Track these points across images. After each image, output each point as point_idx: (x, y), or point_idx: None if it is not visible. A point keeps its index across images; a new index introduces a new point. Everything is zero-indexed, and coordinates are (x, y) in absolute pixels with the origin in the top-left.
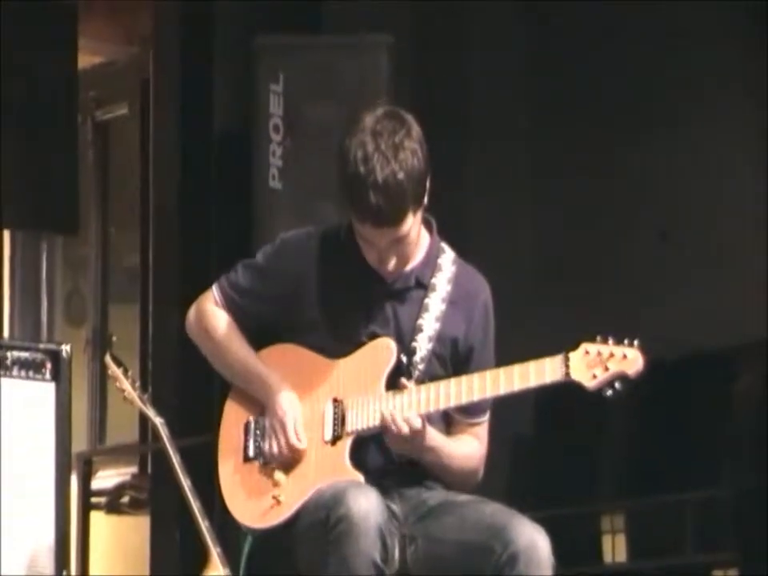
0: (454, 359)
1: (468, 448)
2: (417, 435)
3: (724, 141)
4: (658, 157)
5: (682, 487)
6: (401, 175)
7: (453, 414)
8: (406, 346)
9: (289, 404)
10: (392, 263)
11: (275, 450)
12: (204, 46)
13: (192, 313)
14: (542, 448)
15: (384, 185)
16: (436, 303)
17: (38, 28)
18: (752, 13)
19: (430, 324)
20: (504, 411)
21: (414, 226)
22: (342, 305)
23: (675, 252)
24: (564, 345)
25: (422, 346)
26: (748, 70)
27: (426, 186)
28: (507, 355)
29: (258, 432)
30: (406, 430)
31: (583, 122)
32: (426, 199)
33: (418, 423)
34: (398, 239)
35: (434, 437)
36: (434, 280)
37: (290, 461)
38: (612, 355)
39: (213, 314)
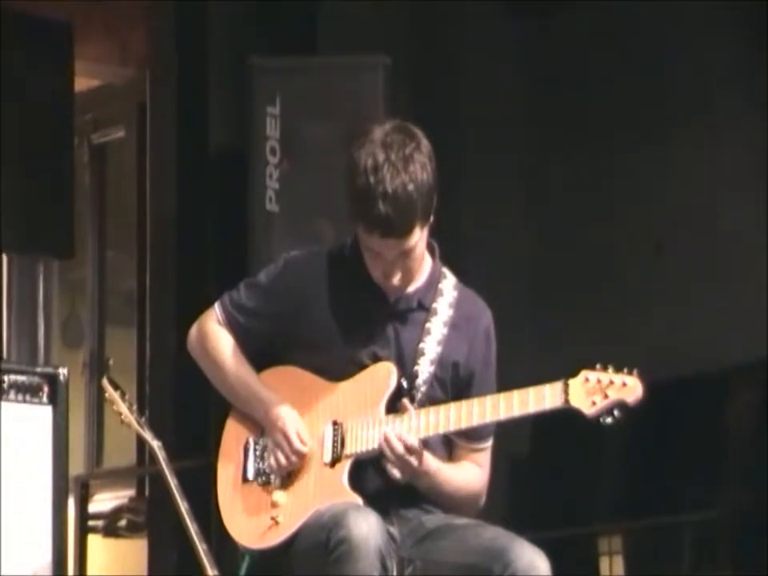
0: (454, 383)
1: (467, 474)
2: (413, 456)
3: (723, 152)
4: (654, 170)
5: (678, 508)
6: (410, 187)
7: (454, 439)
8: (407, 369)
9: (288, 414)
10: (397, 277)
11: (282, 459)
12: (200, 68)
13: (194, 331)
14: (539, 470)
15: (394, 195)
16: (438, 327)
17: (33, 50)
18: (751, 21)
19: (431, 347)
20: (501, 433)
21: (420, 240)
22: (343, 324)
23: (672, 265)
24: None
25: (424, 369)
26: (748, 79)
27: (433, 201)
28: (506, 373)
29: (257, 453)
30: (400, 449)
31: (578, 136)
32: (432, 216)
33: (413, 441)
34: (405, 252)
35: (430, 461)
36: (435, 304)
37: (294, 473)
38: (612, 383)
39: (215, 333)
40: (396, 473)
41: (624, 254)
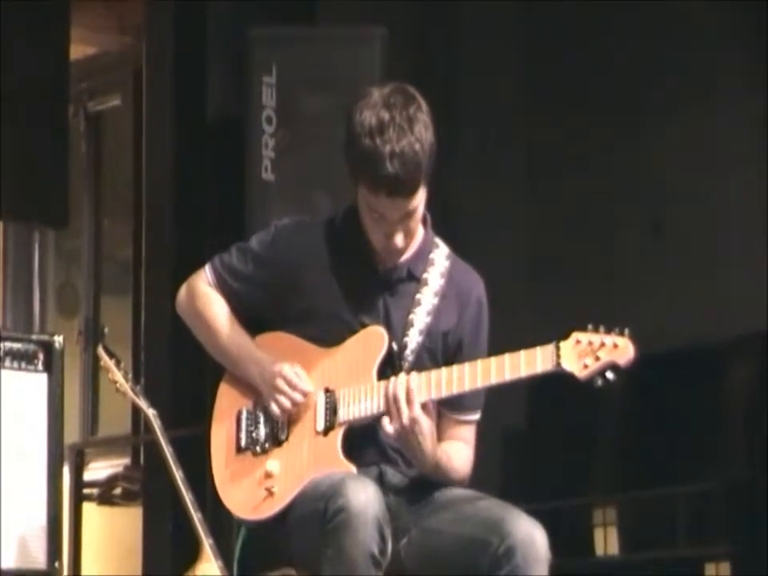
0: (444, 353)
1: (462, 459)
2: (419, 421)
3: (721, 131)
4: (653, 148)
5: (674, 481)
6: (417, 146)
7: (442, 411)
8: (397, 340)
9: (285, 364)
10: (400, 238)
11: (285, 402)
12: (197, 37)
13: (183, 291)
14: (534, 441)
15: (401, 153)
16: (428, 297)
17: (29, 18)
18: (751, 5)
19: (421, 318)
20: (495, 404)
21: (422, 201)
22: (333, 295)
23: (670, 244)
24: (557, 336)
25: (413, 339)
26: (748, 56)
27: (434, 162)
28: (500, 348)
29: (250, 422)
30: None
31: (578, 113)
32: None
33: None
34: (408, 213)
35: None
36: (426, 275)
37: (287, 442)
38: (603, 344)
39: (205, 293)
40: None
41: (622, 230)
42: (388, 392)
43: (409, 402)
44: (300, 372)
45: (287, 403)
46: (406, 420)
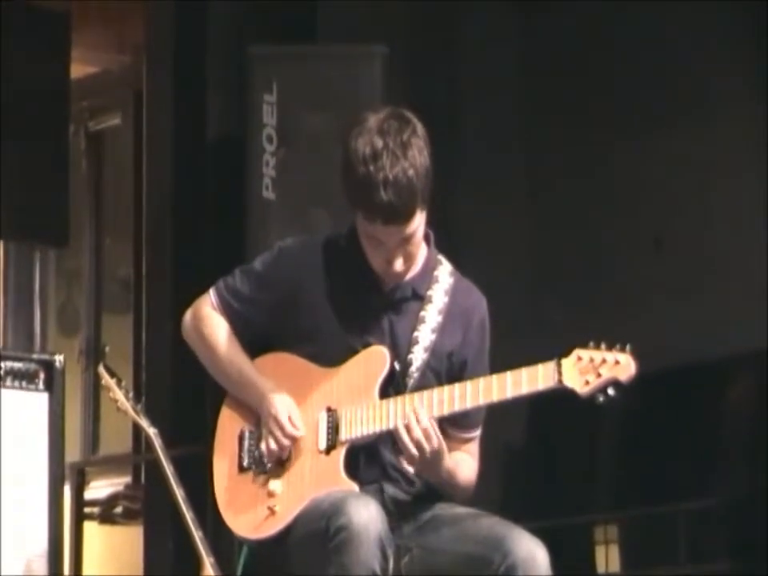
0: (449, 373)
1: (468, 467)
2: (429, 439)
3: (723, 143)
4: (654, 163)
5: (675, 498)
6: (411, 172)
7: (446, 428)
8: (402, 358)
9: (281, 401)
10: (399, 263)
11: (273, 445)
12: (197, 56)
13: (188, 316)
14: (535, 459)
15: (395, 181)
16: (432, 315)
17: (30, 37)
18: (750, 9)
19: (426, 335)
20: (497, 421)
21: (420, 225)
22: (337, 315)
23: (670, 260)
24: (558, 353)
25: (418, 356)
26: (748, 72)
27: (431, 184)
28: (502, 366)
29: (252, 442)
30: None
31: (579, 127)
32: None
33: (426, 422)
34: (406, 238)
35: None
36: (430, 292)
37: (289, 461)
38: (604, 361)
39: (209, 318)
40: (409, 465)
41: (623, 245)
42: (402, 433)
43: (421, 450)
44: (294, 414)
45: (274, 447)
46: (426, 469)
